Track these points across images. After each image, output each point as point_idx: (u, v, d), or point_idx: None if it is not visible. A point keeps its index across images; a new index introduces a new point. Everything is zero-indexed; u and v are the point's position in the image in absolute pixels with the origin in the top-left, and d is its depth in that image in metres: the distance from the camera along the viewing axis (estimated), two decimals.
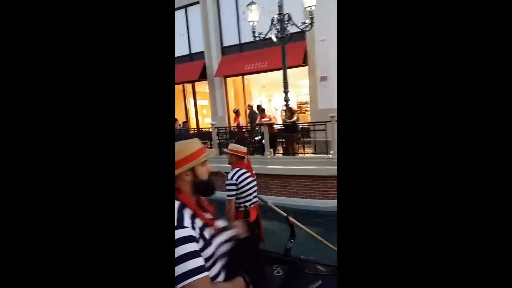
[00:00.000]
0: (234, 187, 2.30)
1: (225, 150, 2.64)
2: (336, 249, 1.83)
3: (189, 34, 10.27)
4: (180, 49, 10.39)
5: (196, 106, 11.15)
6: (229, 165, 2.51)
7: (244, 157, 2.49)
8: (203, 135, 7.74)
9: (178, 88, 11.11)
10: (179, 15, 10.20)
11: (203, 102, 11.36)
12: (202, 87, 10.67)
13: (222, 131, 7.33)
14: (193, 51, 10.31)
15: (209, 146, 7.42)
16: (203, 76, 9.83)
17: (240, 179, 2.33)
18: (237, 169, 2.39)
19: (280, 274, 2.16)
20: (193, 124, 10.88)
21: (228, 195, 2.32)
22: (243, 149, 2.51)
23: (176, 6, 10.10)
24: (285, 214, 2.59)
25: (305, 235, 2.68)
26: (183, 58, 10.38)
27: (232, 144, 2.69)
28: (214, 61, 9.64)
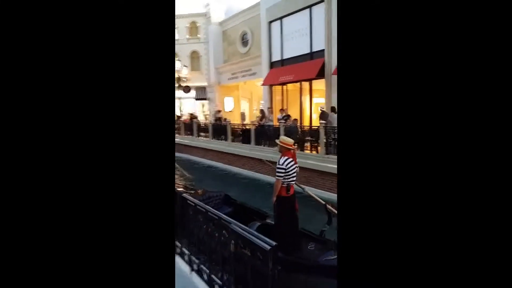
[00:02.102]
0: (283, 171, 3.17)
1: (276, 140, 3.47)
2: None
3: (311, 33, 10.45)
4: (302, 48, 10.73)
5: (311, 104, 11.31)
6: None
7: (291, 148, 3.29)
8: (312, 133, 7.87)
9: (296, 86, 11.55)
10: (304, 15, 10.52)
11: (320, 100, 11.40)
12: (320, 85, 10.72)
13: (330, 130, 7.28)
14: (314, 50, 10.46)
15: (316, 144, 7.52)
16: (321, 74, 9.87)
17: (288, 166, 3.19)
18: (286, 157, 3.22)
19: (312, 249, 3.21)
20: (307, 122, 11.12)
21: (277, 176, 3.20)
22: (290, 141, 3.32)
23: (302, 6, 10.46)
24: (323, 202, 3.42)
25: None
26: (304, 56, 10.68)
27: (282, 137, 3.46)
28: (333, 59, 9.53)
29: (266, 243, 1.84)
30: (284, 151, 3.26)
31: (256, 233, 2.04)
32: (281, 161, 3.19)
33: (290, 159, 3.21)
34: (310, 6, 10.29)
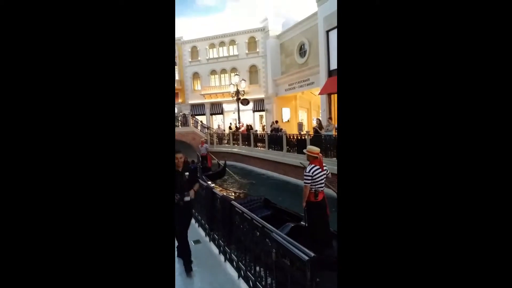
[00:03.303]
0: (309, 178, 3.44)
1: (303, 150, 3.73)
2: None
3: None
4: None
5: None
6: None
7: (317, 156, 3.56)
8: None
9: None
10: None
11: None
12: None
13: None
14: None
15: None
16: None
17: (314, 173, 3.47)
18: (312, 165, 3.50)
19: None
20: None
21: (305, 182, 3.47)
22: (317, 150, 3.61)
23: None
24: None
25: None
26: None
27: (309, 146, 3.75)
28: None
29: (304, 253, 1.79)
30: (311, 159, 3.56)
31: (295, 243, 2.00)
32: (308, 169, 3.51)
33: (317, 167, 3.49)
34: None
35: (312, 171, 3.44)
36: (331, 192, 4.16)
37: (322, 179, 3.49)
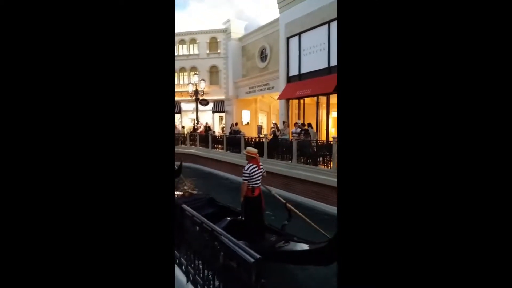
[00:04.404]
0: (247, 175, 3.81)
1: (244, 151, 4.22)
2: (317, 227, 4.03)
3: (329, 48, 10.45)
4: (320, 63, 10.72)
5: (328, 118, 11.18)
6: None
7: (254, 156, 3.93)
8: (324, 148, 7.71)
9: (313, 100, 11.48)
10: (322, 30, 10.56)
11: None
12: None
13: None
14: (331, 65, 10.42)
15: (329, 158, 7.35)
16: None
17: (251, 171, 3.83)
18: (250, 164, 3.87)
19: (274, 240, 3.93)
20: (323, 135, 10.95)
21: (243, 179, 3.83)
22: (254, 151, 3.97)
23: (320, 22, 10.53)
24: (284, 201, 4.27)
25: (298, 219, 4.26)
26: (322, 71, 10.65)
27: (248, 147, 4.12)
28: None
29: (250, 256, 1.82)
30: (250, 159, 3.92)
31: (242, 245, 2.02)
32: (246, 167, 3.86)
33: (254, 166, 3.85)
34: (328, 22, 10.35)
35: (250, 169, 3.81)
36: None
37: (258, 177, 3.87)
